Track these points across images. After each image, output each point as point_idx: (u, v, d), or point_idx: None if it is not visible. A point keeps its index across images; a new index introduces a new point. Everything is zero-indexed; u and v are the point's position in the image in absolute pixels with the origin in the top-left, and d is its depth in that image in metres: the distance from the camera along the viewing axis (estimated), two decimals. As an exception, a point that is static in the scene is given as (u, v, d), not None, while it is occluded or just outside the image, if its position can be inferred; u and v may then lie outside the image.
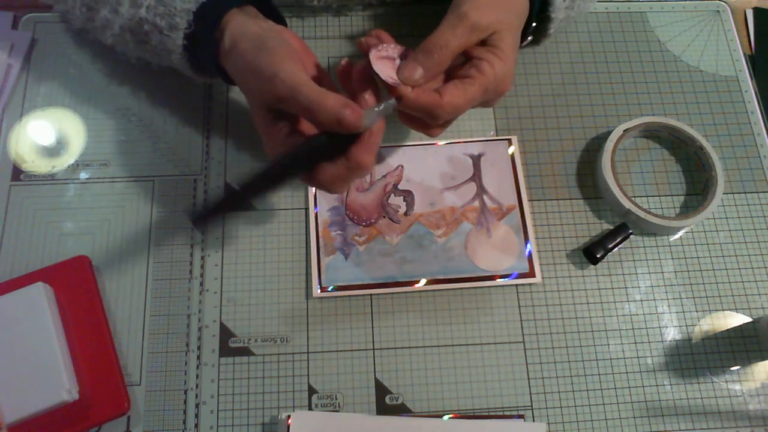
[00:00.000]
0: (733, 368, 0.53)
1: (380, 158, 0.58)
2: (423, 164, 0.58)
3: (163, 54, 0.50)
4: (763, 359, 0.53)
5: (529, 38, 0.55)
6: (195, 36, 0.48)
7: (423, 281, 0.54)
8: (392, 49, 0.47)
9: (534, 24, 0.53)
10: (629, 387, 0.52)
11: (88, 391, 0.48)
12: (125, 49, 0.53)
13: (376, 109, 0.43)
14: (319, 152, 0.44)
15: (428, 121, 0.47)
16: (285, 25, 0.52)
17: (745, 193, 0.59)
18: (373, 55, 0.46)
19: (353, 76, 0.46)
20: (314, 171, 0.44)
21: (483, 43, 0.47)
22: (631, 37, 0.65)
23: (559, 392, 0.52)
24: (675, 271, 0.56)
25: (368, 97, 0.45)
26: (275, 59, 0.44)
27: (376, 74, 0.45)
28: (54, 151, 0.58)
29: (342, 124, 0.41)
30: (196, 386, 0.51)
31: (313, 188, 0.57)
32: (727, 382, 0.52)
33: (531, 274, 0.55)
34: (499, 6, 0.47)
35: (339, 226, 0.56)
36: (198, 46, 0.49)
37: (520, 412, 0.51)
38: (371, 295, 0.54)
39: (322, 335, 0.53)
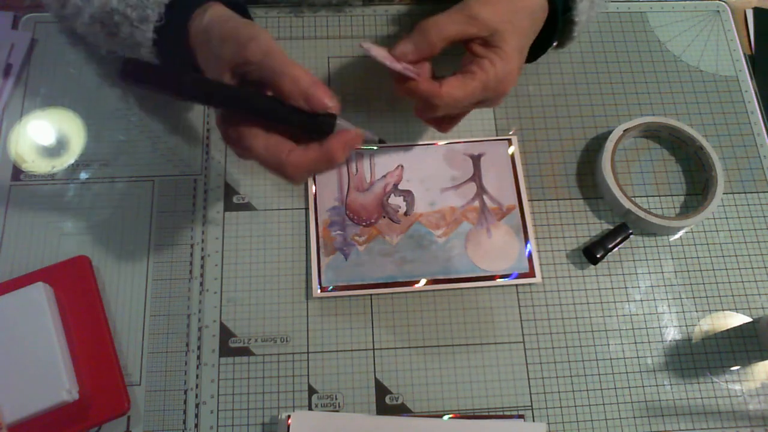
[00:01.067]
0: (733, 368, 0.53)
1: (380, 158, 0.58)
2: (423, 164, 0.58)
3: (133, 47, 0.49)
4: (763, 359, 0.53)
5: (554, 43, 0.55)
6: (165, 30, 0.47)
7: (423, 281, 0.54)
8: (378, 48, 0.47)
9: (558, 28, 0.52)
10: (629, 387, 0.52)
11: (88, 391, 0.48)
12: (96, 40, 0.53)
13: (360, 130, 0.42)
14: (293, 113, 0.41)
15: (427, 110, 0.48)
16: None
17: (745, 193, 0.59)
18: (367, 46, 0.46)
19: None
20: (281, 152, 0.41)
21: (486, 43, 0.47)
22: (631, 37, 0.65)
23: (559, 392, 0.52)
24: (675, 271, 0.56)
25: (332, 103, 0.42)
26: (256, 29, 0.42)
27: (375, 58, 0.45)
28: (54, 151, 0.58)
29: (310, 101, 0.40)
30: (196, 386, 0.51)
31: (313, 188, 0.57)
32: (727, 382, 0.52)
33: (531, 274, 0.55)
34: (505, 4, 0.47)
35: (339, 226, 0.56)
36: (168, 40, 0.48)
37: (520, 412, 0.51)
38: (371, 295, 0.54)
39: (322, 335, 0.53)
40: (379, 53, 0.45)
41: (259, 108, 0.41)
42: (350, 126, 0.42)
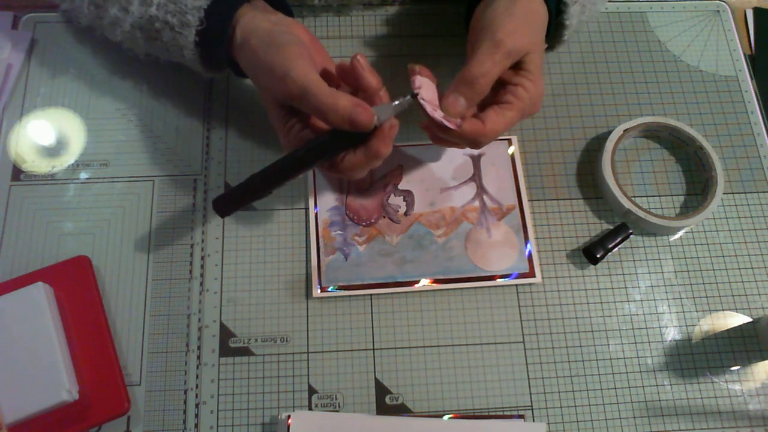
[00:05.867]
0: (733, 368, 0.53)
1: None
2: (423, 164, 0.58)
3: (174, 50, 0.51)
4: (763, 359, 0.53)
5: (545, 46, 0.56)
6: (206, 32, 0.49)
7: (423, 281, 0.54)
8: (428, 85, 0.47)
9: (551, 32, 0.53)
10: (629, 387, 0.52)
11: (88, 391, 0.48)
12: (134, 46, 0.54)
13: (392, 104, 0.45)
14: (340, 144, 0.45)
15: (470, 146, 0.49)
16: (293, 17, 0.53)
17: (745, 193, 0.59)
18: (419, 83, 0.46)
19: (362, 72, 0.46)
20: (335, 159, 0.46)
21: (514, 66, 0.48)
22: (631, 37, 0.65)
23: (559, 392, 0.52)
24: (675, 271, 0.56)
25: (383, 93, 0.46)
26: (286, 57, 0.44)
27: (422, 109, 0.45)
28: (54, 151, 0.58)
29: (354, 125, 0.43)
30: (196, 386, 0.51)
31: (313, 188, 0.57)
32: (727, 382, 0.52)
33: (531, 274, 0.55)
34: (528, 27, 0.47)
35: (339, 226, 0.56)
36: (210, 42, 0.49)
37: (520, 412, 0.51)
38: (371, 295, 0.54)
39: (322, 335, 0.53)
40: (427, 95, 0.46)
41: (314, 160, 0.46)
42: (389, 110, 0.44)
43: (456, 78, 0.46)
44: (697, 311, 0.55)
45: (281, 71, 0.44)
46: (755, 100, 0.63)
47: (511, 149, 0.59)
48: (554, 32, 0.54)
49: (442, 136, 0.47)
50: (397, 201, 0.57)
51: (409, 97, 0.45)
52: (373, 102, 0.45)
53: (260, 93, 0.49)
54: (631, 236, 0.56)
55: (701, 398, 0.52)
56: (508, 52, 0.46)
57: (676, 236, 0.57)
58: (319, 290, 0.54)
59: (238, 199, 0.48)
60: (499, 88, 0.48)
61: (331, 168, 0.47)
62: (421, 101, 0.45)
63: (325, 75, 0.48)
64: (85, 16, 0.54)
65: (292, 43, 0.45)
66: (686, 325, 0.54)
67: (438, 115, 0.46)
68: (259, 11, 0.49)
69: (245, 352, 0.52)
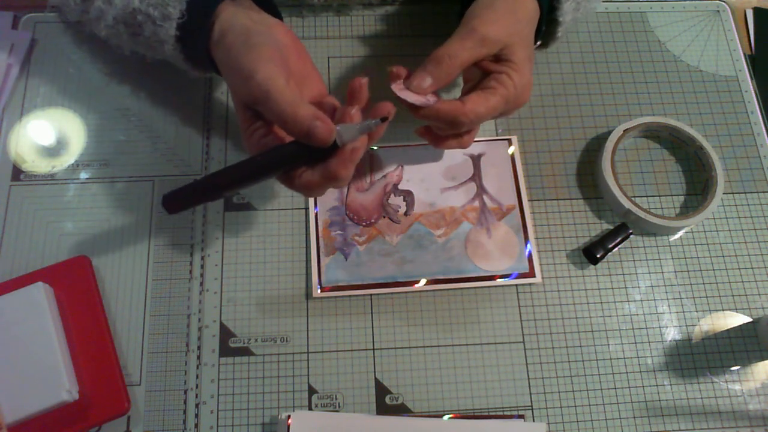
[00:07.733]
0: (733, 368, 0.53)
1: (380, 158, 0.58)
2: (423, 164, 0.58)
3: (156, 45, 0.50)
4: (763, 359, 0.53)
5: (538, 43, 0.56)
6: (187, 27, 0.48)
7: (423, 281, 0.54)
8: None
9: (543, 29, 0.53)
10: (629, 387, 0.52)
11: (88, 391, 0.48)
12: (119, 42, 0.53)
13: (358, 125, 0.42)
14: (297, 157, 0.43)
15: (451, 129, 0.48)
16: (280, 18, 0.52)
17: (745, 193, 0.59)
18: (396, 86, 0.46)
19: (352, 89, 0.45)
20: (291, 173, 0.44)
21: (497, 59, 0.48)
22: (631, 37, 0.65)
23: (559, 392, 0.52)
24: (675, 271, 0.56)
25: (354, 112, 0.43)
26: (255, 58, 0.43)
27: (402, 100, 0.46)
28: (54, 151, 0.58)
29: (311, 138, 0.41)
30: (196, 386, 0.51)
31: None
32: (727, 382, 0.52)
33: (531, 274, 0.55)
34: (508, 18, 0.47)
35: (339, 226, 0.56)
36: (190, 36, 0.48)
37: (520, 412, 0.51)
38: (371, 295, 0.54)
39: (322, 335, 0.53)
40: (410, 96, 0.46)
41: (270, 169, 0.44)
42: (354, 131, 0.42)
43: (427, 58, 0.46)
44: (697, 311, 0.55)
45: (248, 71, 0.43)
46: (755, 100, 0.63)
47: (511, 149, 0.59)
48: (548, 29, 0.54)
49: (417, 117, 0.47)
50: (397, 201, 0.57)
51: (379, 120, 0.42)
52: (344, 120, 0.43)
53: (230, 92, 0.48)
54: (631, 236, 0.56)
55: (701, 398, 0.52)
56: (481, 39, 0.46)
57: (676, 236, 0.57)
58: (319, 290, 0.54)
59: (189, 198, 0.46)
60: (484, 78, 0.48)
61: (287, 182, 0.45)
62: (415, 102, 0.46)
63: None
64: (73, 11, 0.53)
65: (265, 44, 0.44)
66: (686, 325, 0.54)
67: (429, 100, 0.46)
68: (242, 8, 0.48)
69: (245, 352, 0.52)
